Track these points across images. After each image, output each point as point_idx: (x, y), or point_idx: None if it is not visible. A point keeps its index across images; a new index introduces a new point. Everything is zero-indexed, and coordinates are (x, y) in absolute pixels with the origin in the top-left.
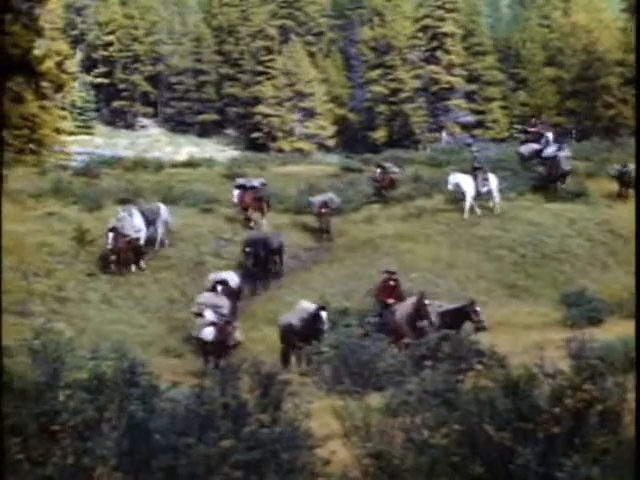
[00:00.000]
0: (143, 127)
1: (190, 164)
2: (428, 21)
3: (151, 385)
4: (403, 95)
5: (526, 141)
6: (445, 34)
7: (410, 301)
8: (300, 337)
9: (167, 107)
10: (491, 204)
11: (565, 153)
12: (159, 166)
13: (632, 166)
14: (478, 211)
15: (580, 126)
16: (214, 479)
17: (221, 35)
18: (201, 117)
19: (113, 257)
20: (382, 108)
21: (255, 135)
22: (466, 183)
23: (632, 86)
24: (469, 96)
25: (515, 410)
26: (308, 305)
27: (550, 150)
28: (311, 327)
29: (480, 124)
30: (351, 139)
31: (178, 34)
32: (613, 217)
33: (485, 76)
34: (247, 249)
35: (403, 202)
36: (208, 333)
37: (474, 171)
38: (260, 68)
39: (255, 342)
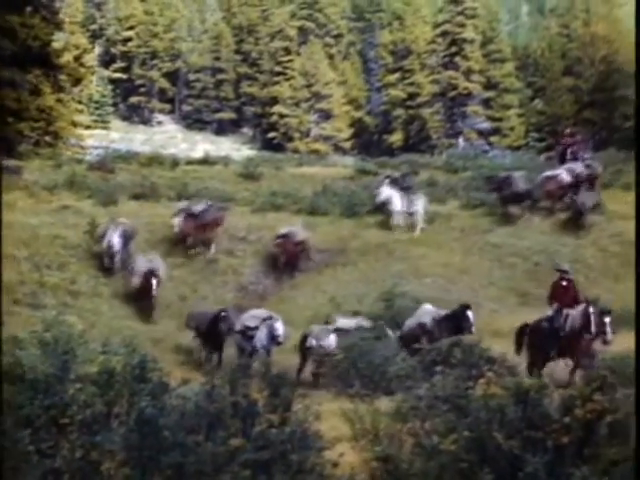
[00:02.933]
0: (160, 123)
1: (206, 162)
2: (448, 26)
3: (161, 381)
4: (420, 100)
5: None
6: (464, 40)
7: (581, 307)
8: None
9: (184, 104)
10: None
11: (520, 173)
12: (175, 163)
13: (585, 196)
14: (397, 224)
15: (597, 136)
16: (222, 477)
17: (240, 34)
18: (218, 115)
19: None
20: (399, 112)
21: (271, 135)
22: (394, 200)
23: None
24: (486, 103)
25: (525, 418)
26: (432, 308)
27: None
28: (452, 326)
29: (496, 131)
30: (367, 142)
31: (197, 32)
32: (627, 228)
33: (503, 83)
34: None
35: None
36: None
37: (404, 190)
38: (278, 68)
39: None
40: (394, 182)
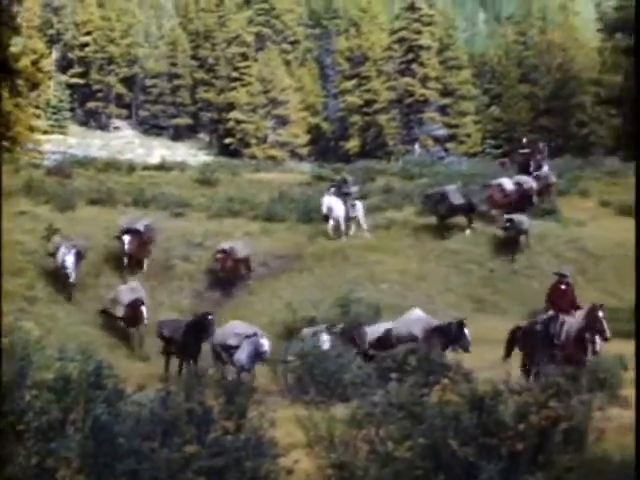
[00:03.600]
0: (117, 129)
1: (162, 167)
2: (404, 33)
3: (116, 388)
4: (377, 106)
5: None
6: (421, 47)
7: (583, 311)
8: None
9: (141, 110)
10: (362, 230)
11: (454, 186)
12: (131, 168)
13: (522, 218)
14: (350, 233)
15: (553, 144)
16: None
17: (197, 40)
18: (175, 121)
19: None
20: (355, 118)
21: (228, 141)
22: (337, 207)
23: (606, 105)
24: (443, 110)
25: (480, 425)
26: (423, 315)
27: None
28: (444, 340)
29: (453, 138)
30: (324, 148)
31: (154, 37)
32: (584, 235)
33: (459, 90)
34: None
35: (373, 213)
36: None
37: (344, 196)
38: (235, 74)
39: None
40: (335, 190)
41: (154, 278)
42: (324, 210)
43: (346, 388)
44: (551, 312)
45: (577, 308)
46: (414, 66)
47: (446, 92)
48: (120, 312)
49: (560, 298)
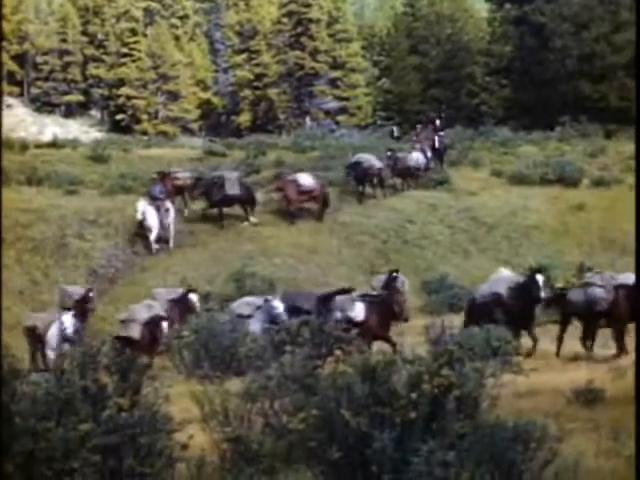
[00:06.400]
0: (9, 106)
1: (54, 145)
2: (293, 6)
3: (12, 368)
4: (267, 80)
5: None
6: (310, 20)
7: None
8: (508, 308)
9: (33, 87)
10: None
11: (235, 174)
12: (24, 146)
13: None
14: (155, 247)
15: (444, 114)
16: (72, 463)
17: (86, 15)
18: (66, 98)
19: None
20: (246, 93)
21: (119, 117)
22: (150, 215)
23: (496, 75)
24: (333, 82)
25: (372, 395)
26: (509, 274)
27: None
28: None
29: (344, 110)
30: (215, 123)
31: (44, 13)
32: (476, 205)
33: (349, 63)
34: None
35: (266, 187)
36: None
37: (155, 201)
38: (125, 50)
39: (117, 326)
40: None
41: (49, 256)
42: (139, 216)
43: (241, 362)
44: None
45: None
46: (304, 39)
47: (336, 65)
48: (136, 333)
49: None
